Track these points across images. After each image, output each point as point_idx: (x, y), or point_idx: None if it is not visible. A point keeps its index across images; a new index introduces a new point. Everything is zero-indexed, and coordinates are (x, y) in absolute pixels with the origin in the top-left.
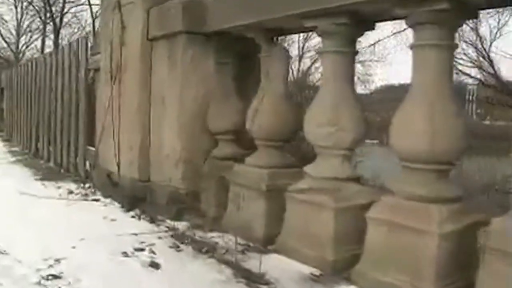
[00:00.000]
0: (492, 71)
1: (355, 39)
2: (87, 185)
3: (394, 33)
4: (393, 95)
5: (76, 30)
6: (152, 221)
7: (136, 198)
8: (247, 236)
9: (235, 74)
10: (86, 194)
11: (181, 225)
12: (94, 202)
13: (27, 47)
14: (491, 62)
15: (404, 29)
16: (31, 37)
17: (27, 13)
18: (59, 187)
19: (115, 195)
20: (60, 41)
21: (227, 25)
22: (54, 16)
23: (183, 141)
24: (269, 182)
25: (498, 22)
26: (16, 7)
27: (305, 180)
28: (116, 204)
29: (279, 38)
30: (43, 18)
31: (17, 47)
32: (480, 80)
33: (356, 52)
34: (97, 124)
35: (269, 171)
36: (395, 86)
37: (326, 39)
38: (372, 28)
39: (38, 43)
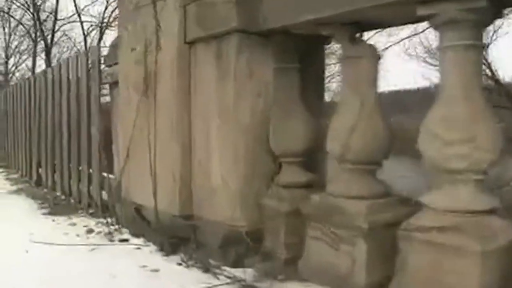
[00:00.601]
0: (490, 74)
1: (485, 28)
2: (107, 220)
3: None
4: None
5: (65, 49)
6: (206, 269)
7: (178, 239)
8: (338, 285)
9: (299, 82)
10: (110, 233)
11: (246, 274)
12: (124, 244)
13: (16, 67)
14: (489, 65)
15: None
16: (20, 57)
17: (15, 34)
18: (73, 224)
19: (148, 234)
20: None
21: (292, 21)
22: (45, 34)
23: (240, 166)
24: (370, 217)
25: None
26: (4, 28)
27: (425, 214)
28: (152, 246)
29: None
30: (33, 36)
31: (6, 68)
32: None
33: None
34: (116, 148)
35: (368, 202)
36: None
37: (451, 31)
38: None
39: (28, 63)
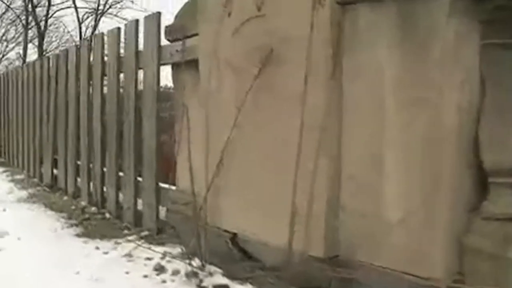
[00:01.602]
0: None
1: None
2: (177, 251)
3: None
4: None
5: (54, 38)
6: None
7: None
8: None
9: None
10: (194, 274)
11: None
12: None
13: (3, 56)
14: None
15: None
16: (7, 46)
17: (1, 22)
18: (129, 256)
19: (259, 279)
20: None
21: None
22: (38, 20)
23: (441, 191)
24: None
25: None
26: None
27: None
28: None
29: None
30: (23, 22)
31: None
32: None
33: None
34: (184, 150)
35: None
36: None
37: None
38: None
39: (13, 53)
